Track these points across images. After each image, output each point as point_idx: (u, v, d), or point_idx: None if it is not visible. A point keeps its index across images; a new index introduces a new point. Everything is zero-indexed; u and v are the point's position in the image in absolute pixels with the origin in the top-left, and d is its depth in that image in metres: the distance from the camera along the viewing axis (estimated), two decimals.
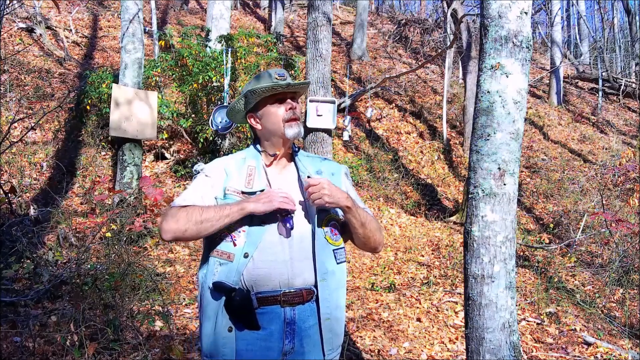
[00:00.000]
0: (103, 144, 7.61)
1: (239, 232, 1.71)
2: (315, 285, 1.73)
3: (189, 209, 1.70)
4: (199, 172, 1.82)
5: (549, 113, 13.02)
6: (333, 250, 1.79)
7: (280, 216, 1.71)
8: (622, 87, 14.77)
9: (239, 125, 6.99)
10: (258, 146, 1.86)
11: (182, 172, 7.31)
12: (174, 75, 7.58)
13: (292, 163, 1.87)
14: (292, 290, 1.70)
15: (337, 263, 1.80)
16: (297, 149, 1.89)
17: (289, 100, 1.80)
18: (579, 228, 6.55)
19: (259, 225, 1.70)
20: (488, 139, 2.29)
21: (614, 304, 4.95)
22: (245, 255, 1.68)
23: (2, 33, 8.13)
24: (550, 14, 14.94)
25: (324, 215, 1.79)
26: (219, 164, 1.83)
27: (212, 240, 1.76)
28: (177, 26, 12.55)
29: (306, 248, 1.72)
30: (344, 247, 1.85)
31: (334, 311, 1.77)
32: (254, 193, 1.74)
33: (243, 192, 1.75)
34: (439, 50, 13.50)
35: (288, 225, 1.71)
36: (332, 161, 1.99)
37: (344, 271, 1.85)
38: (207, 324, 1.74)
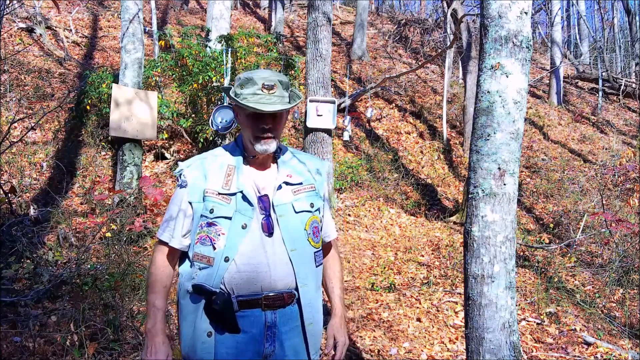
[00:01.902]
0: (103, 144, 7.61)
1: (219, 235, 1.68)
2: (297, 289, 1.71)
3: (155, 268, 1.76)
4: (179, 177, 1.78)
5: (549, 113, 13.02)
6: (314, 253, 1.77)
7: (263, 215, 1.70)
8: (622, 87, 14.78)
9: (239, 125, 6.99)
10: (241, 144, 1.81)
11: None
12: (174, 75, 7.58)
13: (275, 164, 1.81)
14: (274, 294, 1.68)
15: (316, 266, 1.79)
16: (279, 151, 1.82)
17: (265, 120, 1.69)
18: (579, 228, 6.55)
19: (240, 227, 1.67)
20: (488, 139, 2.29)
21: (614, 304, 4.95)
22: (226, 259, 1.66)
23: (2, 33, 8.13)
24: (550, 14, 14.94)
25: (307, 217, 1.76)
26: (197, 167, 1.77)
27: (192, 243, 1.73)
28: (177, 26, 12.55)
29: (286, 251, 1.70)
30: (321, 249, 1.84)
31: (316, 315, 1.78)
32: (232, 194, 1.70)
33: (220, 194, 1.70)
34: (439, 50, 13.50)
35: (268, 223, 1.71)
36: (313, 157, 1.93)
37: (321, 272, 1.85)
38: (186, 327, 1.72)
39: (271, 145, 1.71)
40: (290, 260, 1.69)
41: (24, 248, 4.25)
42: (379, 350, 3.79)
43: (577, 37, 20.20)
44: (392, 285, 5.06)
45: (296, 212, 1.73)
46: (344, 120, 8.95)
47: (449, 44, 10.09)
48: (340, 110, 9.50)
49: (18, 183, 6.21)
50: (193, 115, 7.42)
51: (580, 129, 12.42)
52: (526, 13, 2.34)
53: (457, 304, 4.72)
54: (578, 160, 10.51)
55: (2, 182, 5.76)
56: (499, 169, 2.27)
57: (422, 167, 9.78)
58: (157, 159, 7.82)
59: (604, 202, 7.22)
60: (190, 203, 1.73)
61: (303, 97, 1.82)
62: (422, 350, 3.90)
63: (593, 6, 23.75)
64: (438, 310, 4.60)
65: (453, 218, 7.79)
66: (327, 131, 7.48)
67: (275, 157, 1.80)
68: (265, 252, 1.67)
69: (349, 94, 10.25)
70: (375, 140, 10.18)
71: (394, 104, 11.99)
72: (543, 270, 5.79)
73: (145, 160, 7.58)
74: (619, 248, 5.84)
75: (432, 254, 6.20)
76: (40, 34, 10.42)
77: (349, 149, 9.73)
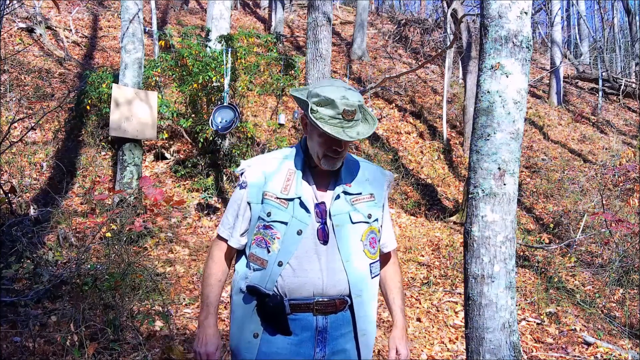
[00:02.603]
0: (103, 144, 7.61)
1: (274, 238, 1.68)
2: (349, 296, 1.71)
3: (212, 262, 1.78)
4: (241, 175, 1.77)
5: (549, 113, 13.02)
6: (370, 264, 1.75)
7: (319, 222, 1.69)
8: (622, 87, 14.78)
9: (239, 125, 6.99)
10: (304, 147, 1.77)
11: (182, 172, 7.31)
12: (174, 75, 7.58)
13: (335, 172, 1.77)
14: (326, 300, 1.68)
15: (372, 277, 1.76)
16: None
17: (340, 144, 1.66)
18: (579, 228, 6.55)
19: (295, 233, 1.67)
20: (488, 139, 2.29)
21: (614, 304, 4.95)
22: (280, 264, 1.66)
23: (2, 33, 8.13)
24: (550, 14, 14.94)
25: (364, 228, 1.74)
26: (257, 168, 1.75)
27: (249, 242, 1.75)
28: (177, 26, 12.55)
29: (341, 261, 1.69)
30: (378, 260, 1.81)
31: (369, 326, 1.76)
32: (290, 200, 1.69)
33: (278, 198, 1.70)
34: (439, 50, 13.50)
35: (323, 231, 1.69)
36: (375, 166, 1.88)
37: (377, 283, 1.82)
38: (235, 325, 1.75)
39: (337, 164, 1.71)
40: (345, 271, 1.69)
41: (24, 248, 4.25)
42: (379, 350, 3.79)
43: (577, 37, 20.20)
44: None
45: (353, 223, 1.72)
46: None
47: (449, 44, 10.09)
48: None
49: (18, 183, 6.21)
50: (193, 115, 7.42)
51: (580, 129, 12.42)
52: (526, 13, 2.34)
53: (457, 304, 4.72)
54: (578, 160, 10.51)
55: (2, 182, 5.76)
56: (499, 169, 2.27)
57: (422, 167, 9.78)
58: (157, 159, 7.82)
59: (604, 202, 7.22)
60: (249, 204, 1.74)
61: (376, 123, 1.75)
62: (422, 350, 3.90)
63: (593, 6, 23.77)
64: (438, 310, 4.60)
65: (453, 218, 7.79)
66: None
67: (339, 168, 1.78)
68: (319, 260, 1.67)
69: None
70: (375, 140, 10.18)
71: (394, 104, 11.99)
72: (543, 270, 5.79)
73: (145, 160, 7.58)
74: (619, 248, 5.84)
75: (432, 254, 6.20)
76: (40, 34, 10.42)
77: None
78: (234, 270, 1.81)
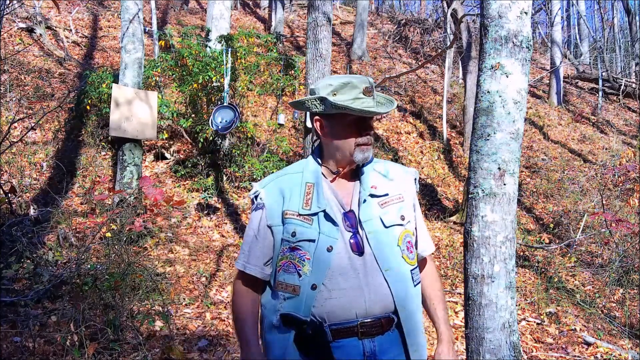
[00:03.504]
0: (103, 144, 7.61)
1: (303, 260, 1.52)
2: (395, 312, 1.53)
3: (237, 297, 1.64)
4: (255, 199, 1.65)
5: (549, 113, 13.02)
6: (410, 271, 1.59)
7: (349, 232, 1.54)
8: (622, 87, 14.77)
9: (239, 125, 6.99)
10: (319, 159, 1.64)
11: (182, 172, 7.31)
12: (174, 75, 7.58)
13: (356, 176, 1.64)
14: (370, 320, 1.50)
15: (415, 285, 1.60)
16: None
17: (370, 124, 1.57)
18: (579, 228, 6.55)
19: (325, 250, 1.51)
20: (488, 139, 2.29)
21: (614, 304, 4.95)
22: (313, 287, 1.50)
23: (2, 33, 8.13)
24: (550, 14, 14.94)
25: (399, 231, 1.58)
26: (274, 187, 1.63)
27: (274, 270, 1.59)
28: (177, 26, 12.55)
29: (380, 271, 1.53)
30: (417, 266, 1.65)
31: (419, 339, 1.59)
32: (313, 214, 1.54)
33: (300, 215, 1.55)
34: (439, 50, 13.50)
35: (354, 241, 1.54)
36: (397, 165, 1.74)
37: (420, 291, 1.66)
38: None
39: (371, 152, 1.59)
40: (386, 281, 1.52)
41: (24, 248, 4.25)
42: None
43: (577, 37, 20.20)
44: None
45: (386, 227, 1.56)
46: None
47: (449, 44, 10.08)
48: None
49: (18, 183, 6.21)
50: (193, 115, 7.42)
51: (580, 129, 12.42)
52: (526, 13, 2.34)
53: (457, 304, 4.72)
54: (578, 160, 10.51)
55: (2, 182, 5.76)
56: (499, 169, 2.27)
57: (422, 167, 9.78)
58: (157, 159, 7.82)
59: (604, 202, 7.22)
60: (269, 227, 1.59)
61: (395, 104, 1.66)
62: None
63: (593, 6, 23.77)
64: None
65: (453, 218, 7.79)
66: None
67: (355, 168, 1.64)
68: (357, 275, 1.50)
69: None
70: (375, 140, 10.18)
71: None
72: (543, 270, 5.79)
73: (145, 160, 7.58)
74: (619, 248, 5.84)
75: (432, 253, 6.20)
76: (40, 34, 10.42)
77: None
78: (261, 306, 1.64)
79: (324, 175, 1.62)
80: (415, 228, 1.68)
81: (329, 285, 1.50)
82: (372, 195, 1.59)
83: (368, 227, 1.55)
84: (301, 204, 1.57)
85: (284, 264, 1.55)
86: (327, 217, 1.54)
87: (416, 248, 1.68)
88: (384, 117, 11.29)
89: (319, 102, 1.57)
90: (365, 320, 1.50)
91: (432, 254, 1.79)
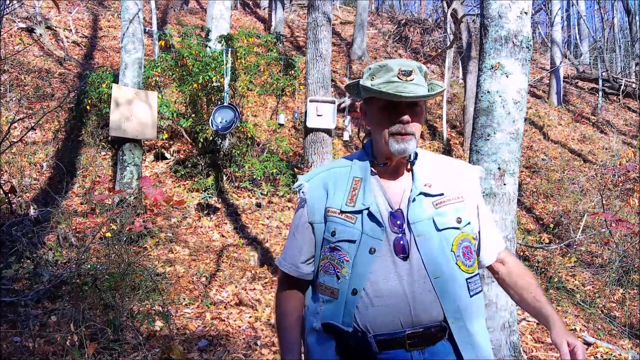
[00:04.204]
0: (103, 144, 7.61)
1: (342, 261, 1.41)
2: (445, 321, 1.39)
3: (279, 298, 1.57)
4: (299, 193, 1.56)
5: (549, 113, 13.02)
6: (466, 279, 1.43)
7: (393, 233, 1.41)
8: (622, 87, 14.77)
9: (239, 125, 6.99)
10: (370, 148, 1.52)
11: (182, 172, 7.31)
12: (174, 75, 7.58)
13: (410, 172, 1.50)
14: (419, 330, 1.37)
15: (472, 295, 1.43)
16: (415, 156, 1.51)
17: (403, 111, 1.41)
18: (579, 228, 6.55)
19: (367, 252, 1.39)
20: (488, 139, 2.29)
21: (614, 304, 4.95)
22: (354, 292, 1.38)
23: (2, 33, 8.13)
24: (550, 14, 14.94)
25: (453, 235, 1.43)
26: (318, 182, 1.53)
27: (316, 270, 1.50)
28: (177, 26, 12.55)
29: (429, 279, 1.39)
30: (478, 273, 1.48)
31: (480, 353, 1.42)
32: (357, 212, 1.43)
33: (343, 212, 1.44)
34: (439, 50, 13.50)
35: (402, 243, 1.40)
36: (459, 162, 1.60)
37: (482, 300, 1.49)
38: None
39: (410, 144, 1.42)
40: (435, 290, 1.37)
41: (24, 248, 4.25)
42: None
43: (577, 37, 20.19)
44: None
45: (439, 230, 1.42)
46: (344, 120, 8.95)
47: (449, 44, 10.08)
48: (340, 110, 9.50)
49: (18, 183, 6.21)
50: (193, 115, 7.42)
51: (580, 129, 12.42)
52: (526, 13, 2.34)
53: None
54: (578, 160, 10.51)
55: (2, 182, 5.76)
56: (499, 169, 2.27)
57: None
58: (157, 159, 7.82)
59: (604, 202, 7.22)
60: (311, 224, 1.50)
61: (444, 87, 1.51)
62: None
63: (593, 6, 23.76)
64: None
65: None
66: (327, 131, 7.48)
67: (410, 163, 1.50)
68: (401, 281, 1.37)
69: (349, 94, 10.24)
70: None
71: None
72: (543, 270, 5.79)
73: (145, 160, 7.58)
74: (619, 248, 5.84)
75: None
76: (40, 34, 10.41)
77: (349, 149, 9.73)
78: (305, 306, 1.56)
79: (373, 170, 1.49)
80: (479, 232, 1.52)
81: (371, 291, 1.38)
82: (425, 194, 1.45)
83: (417, 229, 1.40)
84: (345, 200, 1.46)
85: (324, 265, 1.46)
86: (371, 216, 1.42)
87: (479, 254, 1.53)
88: None
89: (357, 87, 1.49)
90: (413, 330, 1.37)
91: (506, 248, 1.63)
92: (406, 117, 1.40)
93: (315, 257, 1.51)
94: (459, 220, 1.45)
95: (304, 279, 1.54)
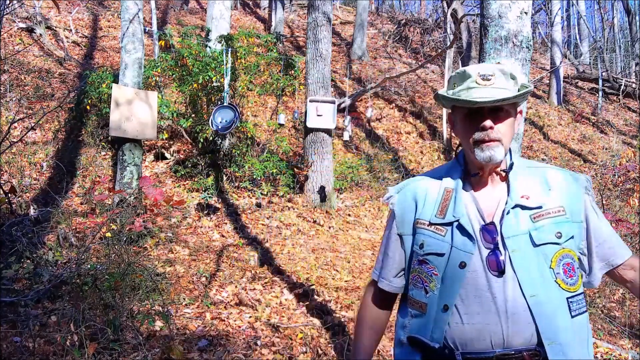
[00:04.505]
0: (103, 144, 7.61)
1: (430, 275, 1.37)
2: (540, 344, 1.29)
3: (362, 308, 1.57)
4: (389, 205, 1.53)
5: (549, 113, 13.02)
6: (567, 298, 1.32)
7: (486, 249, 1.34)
8: (622, 87, 14.78)
9: (239, 125, 6.99)
10: (462, 159, 1.46)
11: (182, 172, 7.31)
12: (174, 75, 7.59)
13: (506, 182, 1.42)
14: (510, 352, 1.28)
15: (573, 316, 1.32)
16: (511, 165, 1.42)
17: (485, 117, 1.34)
18: None
19: (457, 267, 1.33)
20: None
21: (614, 304, 4.95)
22: (445, 308, 1.33)
23: (2, 33, 8.13)
24: (550, 14, 14.95)
25: (552, 251, 1.33)
26: (408, 192, 1.49)
27: (407, 283, 1.47)
28: (177, 26, 12.55)
29: (524, 297, 1.31)
30: (583, 292, 1.37)
31: None
32: (447, 224, 1.38)
33: (432, 224, 1.40)
34: (439, 50, 13.50)
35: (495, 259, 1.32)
36: (562, 170, 1.46)
37: (585, 323, 1.37)
38: None
39: (496, 152, 1.33)
40: (530, 309, 1.28)
41: (24, 248, 4.25)
42: (379, 350, 3.79)
43: (577, 37, 20.20)
44: None
45: (536, 245, 1.32)
46: (344, 120, 8.95)
47: (449, 44, 10.08)
48: (340, 110, 9.51)
49: (18, 183, 6.21)
50: (193, 115, 7.42)
51: (580, 129, 12.42)
52: (526, 13, 2.34)
53: None
54: (578, 160, 10.51)
55: (2, 182, 5.76)
56: None
57: (422, 167, 9.77)
58: (157, 159, 7.82)
59: (604, 202, 7.22)
60: (400, 236, 1.47)
61: (532, 88, 1.41)
62: None
63: (593, 6, 23.77)
64: None
65: None
66: (327, 131, 7.48)
67: (506, 173, 1.41)
68: (493, 299, 1.29)
69: (349, 94, 10.25)
70: (375, 140, 10.18)
71: (394, 104, 11.99)
72: None
73: (145, 160, 7.58)
74: None
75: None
76: (40, 34, 10.42)
77: (349, 149, 9.73)
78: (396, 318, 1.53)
79: (465, 180, 1.43)
80: (589, 248, 1.40)
81: (461, 307, 1.32)
82: (521, 207, 1.36)
83: (512, 244, 1.32)
84: (435, 211, 1.41)
85: (413, 277, 1.43)
86: (462, 229, 1.36)
87: (590, 271, 1.42)
88: (384, 117, 11.29)
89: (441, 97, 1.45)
90: (504, 352, 1.28)
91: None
92: (488, 123, 1.33)
93: (405, 270, 1.48)
94: (558, 235, 1.34)
95: (395, 293, 1.52)
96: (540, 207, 1.36)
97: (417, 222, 1.43)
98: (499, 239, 1.33)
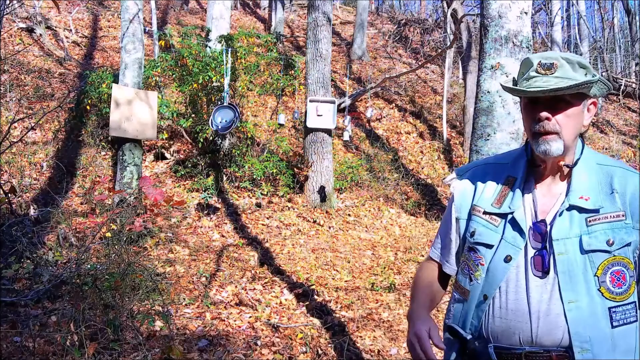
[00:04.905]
0: (103, 144, 7.61)
1: (477, 264, 1.37)
2: (571, 347, 1.26)
3: (418, 271, 1.58)
4: (450, 187, 1.53)
5: None
6: (609, 308, 1.27)
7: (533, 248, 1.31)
8: (622, 87, 14.78)
9: (239, 125, 6.99)
10: (530, 148, 1.40)
11: (182, 172, 7.31)
12: (174, 75, 7.59)
13: (568, 179, 1.36)
14: (539, 351, 1.27)
15: (614, 326, 1.26)
16: (578, 158, 1.36)
17: (541, 107, 1.29)
18: None
19: (503, 260, 1.32)
20: (488, 139, 2.29)
21: None
22: (485, 298, 1.33)
23: (2, 33, 8.13)
24: (550, 14, 14.94)
25: (600, 259, 1.27)
26: (470, 175, 1.48)
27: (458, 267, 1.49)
28: (177, 26, 12.55)
29: (561, 302, 1.28)
30: (633, 302, 1.29)
31: None
32: (502, 215, 1.35)
33: (486, 212, 1.38)
34: (439, 50, 13.50)
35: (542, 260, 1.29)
36: (634, 173, 1.35)
37: (632, 334, 1.28)
38: None
39: (552, 145, 1.28)
40: (565, 315, 1.26)
41: (24, 248, 4.25)
42: (379, 350, 3.79)
43: (577, 37, 20.19)
44: (392, 285, 5.06)
45: (584, 251, 1.27)
46: (344, 120, 8.95)
47: (449, 44, 10.09)
48: (340, 110, 9.50)
49: (18, 183, 6.21)
50: (193, 115, 7.42)
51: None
52: (526, 13, 2.34)
53: None
54: None
55: (2, 182, 5.76)
56: None
57: (422, 167, 9.78)
58: (157, 159, 7.82)
59: None
60: (457, 220, 1.47)
61: (597, 79, 1.30)
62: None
63: (593, 6, 23.76)
64: (438, 310, 4.60)
65: None
66: (327, 131, 7.48)
67: (569, 168, 1.35)
68: (529, 297, 1.29)
69: (349, 94, 10.25)
70: (375, 140, 10.18)
71: (394, 104, 12.00)
72: None
73: (145, 160, 7.58)
74: None
75: None
76: (40, 34, 10.42)
77: (349, 149, 9.73)
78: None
79: (530, 171, 1.39)
80: None
81: (498, 301, 1.32)
82: (578, 209, 1.30)
83: (559, 247, 1.28)
84: (493, 199, 1.38)
85: (462, 263, 1.44)
86: (514, 223, 1.33)
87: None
88: (384, 117, 11.29)
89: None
90: (532, 350, 1.28)
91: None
92: (544, 114, 1.28)
93: (458, 253, 1.48)
94: (610, 243, 1.27)
95: (450, 274, 1.53)
96: (597, 211, 1.30)
97: (474, 209, 1.41)
98: (547, 239, 1.30)
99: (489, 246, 1.35)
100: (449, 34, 11.92)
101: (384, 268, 5.55)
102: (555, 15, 14.64)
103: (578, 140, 1.37)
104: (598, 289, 1.27)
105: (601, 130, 12.65)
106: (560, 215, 1.30)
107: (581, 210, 1.30)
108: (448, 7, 10.05)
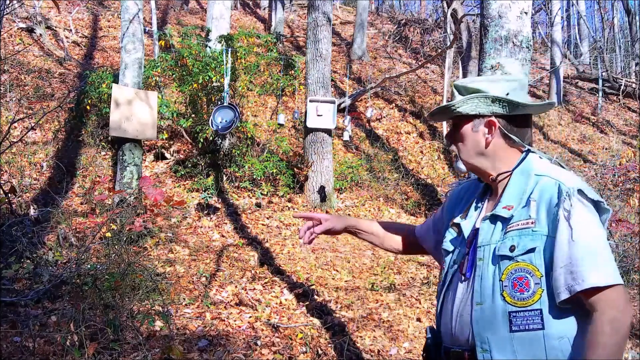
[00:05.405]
0: (103, 144, 7.61)
1: (442, 268, 1.54)
2: (474, 351, 1.34)
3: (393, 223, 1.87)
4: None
5: (549, 113, 13.02)
6: (509, 312, 1.30)
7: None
8: (622, 87, 14.77)
9: (239, 125, 6.99)
10: None
11: (182, 172, 7.31)
12: (174, 75, 7.59)
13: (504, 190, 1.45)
14: (457, 350, 1.39)
15: (512, 331, 1.29)
16: (512, 170, 1.42)
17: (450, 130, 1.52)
18: None
19: (453, 263, 1.47)
20: None
21: None
22: (442, 299, 1.49)
23: (2, 33, 8.13)
24: (550, 14, 14.94)
25: (507, 264, 1.32)
26: (459, 190, 1.64)
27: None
28: (177, 26, 12.55)
29: (471, 304, 1.38)
30: (538, 310, 1.28)
31: None
32: (457, 225, 1.50)
33: (453, 223, 1.52)
34: (439, 50, 13.50)
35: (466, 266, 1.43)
36: (555, 182, 1.33)
37: (533, 341, 1.28)
38: None
39: (457, 163, 1.45)
40: (471, 316, 1.35)
41: (24, 248, 4.25)
42: (379, 350, 3.79)
43: (577, 37, 20.20)
44: (392, 285, 5.06)
45: (495, 257, 1.35)
46: (344, 120, 8.94)
47: (449, 44, 10.08)
48: (340, 110, 9.50)
49: (18, 183, 6.21)
50: (193, 115, 7.42)
51: (580, 129, 12.42)
52: (526, 13, 2.34)
53: None
54: (578, 160, 10.51)
55: (2, 182, 5.76)
56: None
57: (422, 167, 9.78)
58: (157, 159, 7.82)
59: None
60: (444, 217, 1.64)
61: (464, 97, 1.41)
62: (422, 350, 3.90)
63: (593, 6, 23.77)
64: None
65: None
66: (327, 131, 7.48)
67: (494, 182, 1.45)
68: (454, 299, 1.42)
69: (349, 94, 10.25)
70: (375, 140, 10.18)
71: (394, 104, 12.00)
72: None
73: (145, 160, 7.58)
74: (619, 248, 5.83)
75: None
76: (40, 34, 10.42)
77: (349, 149, 9.73)
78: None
79: (490, 186, 1.51)
80: (553, 263, 1.28)
81: (444, 303, 1.47)
82: (499, 218, 1.38)
83: (480, 252, 1.38)
84: (463, 211, 1.53)
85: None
86: (460, 230, 1.48)
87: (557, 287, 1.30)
88: (384, 117, 11.29)
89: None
90: (450, 348, 1.41)
91: (607, 294, 1.32)
92: (449, 139, 1.51)
93: (430, 229, 1.71)
94: (512, 249, 1.32)
95: (419, 243, 1.74)
96: (511, 218, 1.36)
97: (452, 218, 1.55)
98: (474, 245, 1.42)
99: (447, 252, 1.50)
100: (449, 34, 11.92)
101: (384, 268, 5.55)
102: (555, 15, 14.64)
103: (513, 152, 1.43)
104: (501, 293, 1.32)
105: (601, 130, 12.65)
106: (483, 222, 1.42)
107: (502, 219, 1.38)
108: (448, 7, 10.05)
